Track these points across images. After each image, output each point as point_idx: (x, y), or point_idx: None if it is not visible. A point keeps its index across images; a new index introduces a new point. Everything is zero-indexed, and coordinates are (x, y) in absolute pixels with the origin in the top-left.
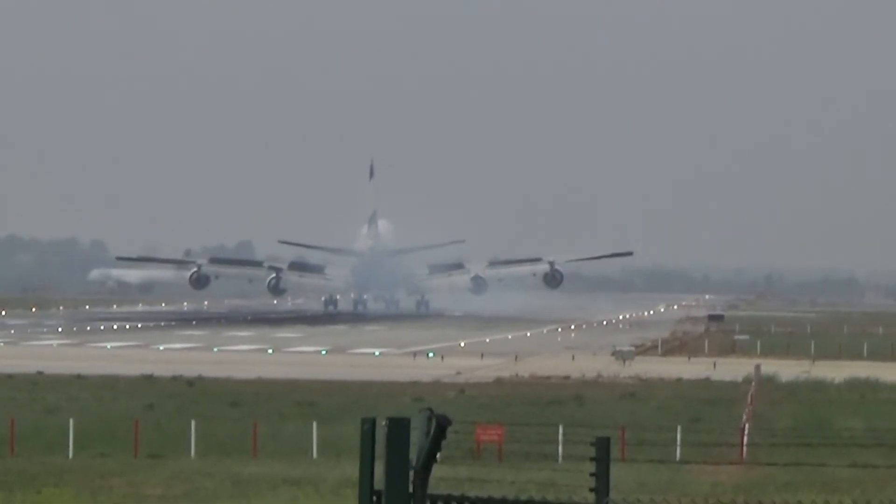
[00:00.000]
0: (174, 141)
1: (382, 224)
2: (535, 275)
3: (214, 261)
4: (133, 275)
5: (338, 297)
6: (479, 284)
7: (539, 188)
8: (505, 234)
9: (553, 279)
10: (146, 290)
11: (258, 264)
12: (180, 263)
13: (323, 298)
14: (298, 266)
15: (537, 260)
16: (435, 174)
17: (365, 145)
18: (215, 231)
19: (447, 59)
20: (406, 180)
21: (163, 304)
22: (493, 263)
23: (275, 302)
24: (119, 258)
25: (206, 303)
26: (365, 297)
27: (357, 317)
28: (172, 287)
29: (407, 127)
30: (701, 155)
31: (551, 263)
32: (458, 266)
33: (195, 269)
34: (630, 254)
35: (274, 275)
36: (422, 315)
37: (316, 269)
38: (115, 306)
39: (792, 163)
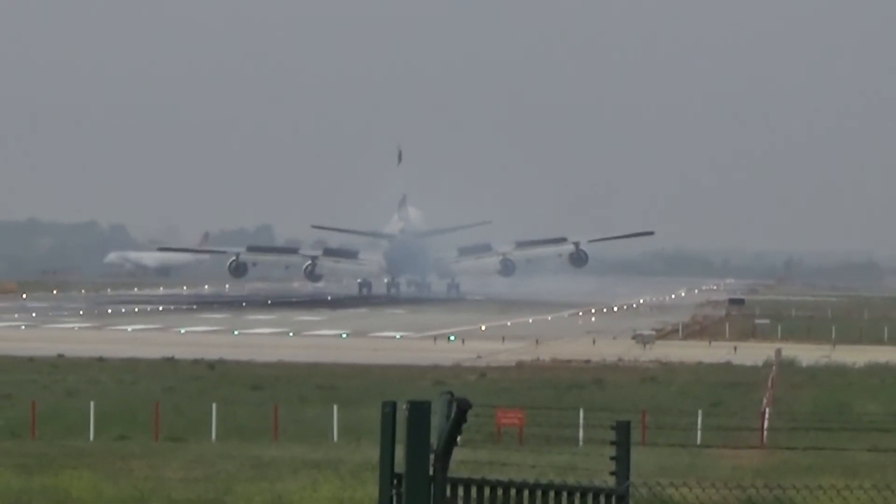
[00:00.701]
0: (193, 125)
1: (412, 210)
2: (560, 255)
3: (252, 249)
4: (151, 257)
5: (371, 281)
6: (507, 266)
7: (564, 172)
8: (530, 218)
9: (579, 259)
10: (163, 273)
11: (294, 251)
12: (220, 253)
13: (358, 282)
14: (333, 252)
15: (562, 240)
16: (461, 158)
17: (386, 130)
18: (233, 214)
19: (473, 46)
20: (433, 165)
21: (184, 288)
22: (520, 244)
23: (311, 286)
24: (161, 248)
25: (227, 286)
26: (398, 280)
27: (390, 300)
28: (190, 270)
29: (431, 112)
30: (722, 140)
31: (576, 244)
32: (487, 248)
33: (234, 257)
34: (651, 233)
35: (310, 261)
36: (446, 298)
37: (350, 255)
38: (136, 289)
39: (811, 147)
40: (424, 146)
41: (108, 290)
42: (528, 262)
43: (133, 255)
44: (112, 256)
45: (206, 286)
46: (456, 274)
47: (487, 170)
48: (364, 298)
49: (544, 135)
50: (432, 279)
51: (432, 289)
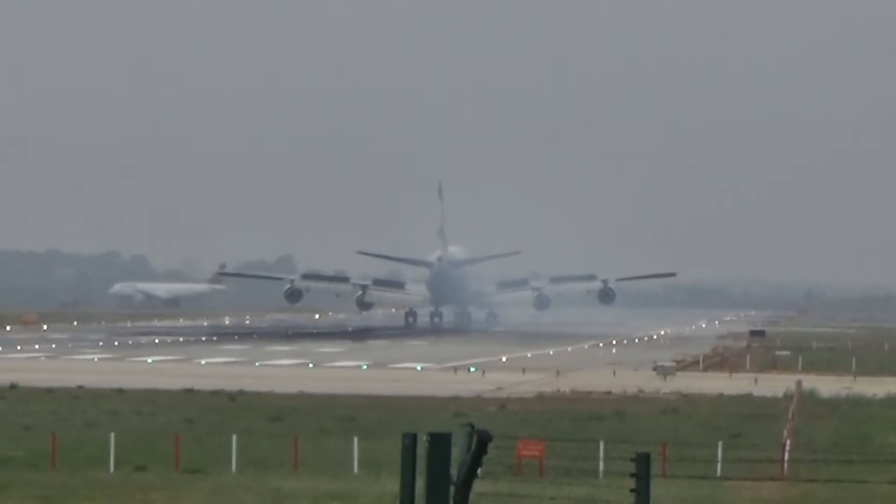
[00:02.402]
0: (210, 155)
1: (451, 246)
2: (589, 291)
3: (307, 276)
4: (161, 288)
5: (417, 311)
6: (541, 300)
7: (592, 207)
8: (559, 250)
9: (606, 296)
10: (172, 304)
11: (345, 280)
12: (276, 280)
13: (405, 311)
14: (382, 282)
15: (592, 277)
16: (496, 193)
17: (421, 162)
18: (253, 245)
19: (510, 83)
20: (470, 199)
21: (204, 320)
22: (554, 279)
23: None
24: (220, 273)
25: (247, 318)
26: (441, 310)
27: (432, 328)
28: (204, 301)
29: (465, 148)
30: (741, 172)
31: (605, 281)
32: (524, 282)
33: (289, 283)
34: (674, 274)
35: (360, 290)
36: (484, 328)
37: (397, 285)
38: (156, 321)
39: (832, 179)
40: (461, 180)
41: (129, 321)
42: (560, 297)
43: (141, 285)
44: (118, 287)
45: (227, 319)
46: (494, 305)
47: (521, 203)
48: (409, 327)
49: (572, 172)
50: (472, 310)
51: (472, 318)
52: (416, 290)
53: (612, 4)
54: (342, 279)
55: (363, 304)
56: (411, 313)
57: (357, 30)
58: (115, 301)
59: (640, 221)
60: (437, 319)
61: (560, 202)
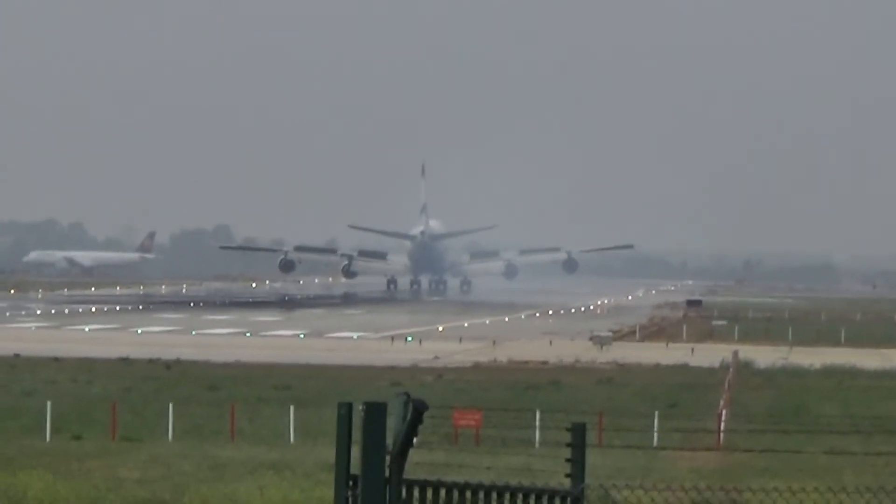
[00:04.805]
0: (154, 124)
1: (433, 222)
2: (554, 262)
3: (298, 248)
4: (86, 256)
5: (397, 279)
6: (511, 270)
7: (554, 180)
8: (532, 224)
9: (570, 266)
10: (90, 272)
11: (333, 252)
12: (271, 252)
13: (387, 279)
14: (367, 253)
15: (556, 249)
16: (475, 172)
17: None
18: (189, 214)
19: (491, 63)
20: (452, 178)
21: (140, 287)
22: (523, 251)
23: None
24: (222, 247)
25: (183, 286)
26: (419, 279)
27: (412, 295)
28: (133, 269)
29: (450, 129)
30: (681, 143)
31: (568, 253)
32: (494, 254)
33: (283, 255)
34: (631, 247)
35: (347, 261)
36: (444, 298)
37: (380, 256)
38: (93, 289)
39: (770, 150)
40: (443, 162)
41: (65, 289)
42: (528, 267)
43: (59, 254)
44: (34, 255)
45: (163, 287)
46: (468, 275)
47: (497, 182)
48: (391, 293)
49: (542, 155)
50: (448, 278)
51: (448, 286)
52: (398, 260)
53: None
54: (331, 251)
55: (349, 273)
56: (392, 281)
57: (330, 7)
58: (31, 269)
59: (600, 197)
60: (415, 287)
61: (532, 181)
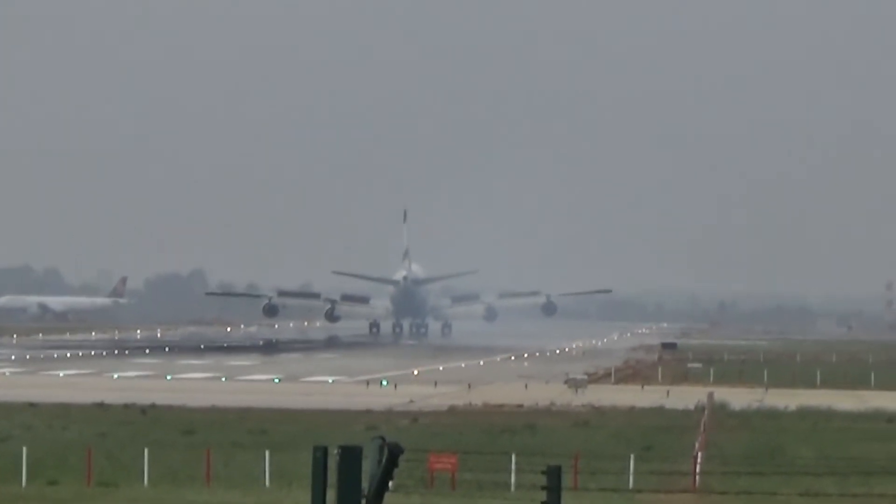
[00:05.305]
0: (126, 173)
1: (415, 266)
2: (534, 305)
3: (282, 294)
4: (57, 302)
5: (380, 323)
6: (491, 313)
7: (532, 226)
8: (511, 268)
9: (548, 309)
10: (63, 318)
11: (316, 296)
12: (254, 297)
13: (369, 322)
14: (349, 298)
15: (536, 293)
16: (452, 213)
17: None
18: (166, 259)
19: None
20: (432, 222)
21: (115, 333)
22: (503, 295)
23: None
24: (207, 293)
25: (158, 331)
26: (402, 322)
27: (395, 339)
28: (106, 314)
29: (428, 174)
30: (653, 183)
31: (548, 296)
32: (475, 297)
33: (267, 300)
34: (609, 291)
35: (330, 305)
36: (441, 339)
37: (363, 300)
38: (68, 334)
39: (744, 193)
40: (424, 206)
41: (40, 335)
42: (508, 310)
43: (30, 298)
44: (4, 300)
45: (139, 332)
46: (449, 318)
47: (478, 227)
48: (374, 336)
49: (524, 199)
50: (429, 321)
51: (430, 329)
52: (380, 304)
53: (570, 14)
54: (314, 295)
55: (332, 318)
56: (375, 324)
57: (308, 46)
58: (3, 314)
59: (577, 242)
60: (398, 330)
61: (511, 226)
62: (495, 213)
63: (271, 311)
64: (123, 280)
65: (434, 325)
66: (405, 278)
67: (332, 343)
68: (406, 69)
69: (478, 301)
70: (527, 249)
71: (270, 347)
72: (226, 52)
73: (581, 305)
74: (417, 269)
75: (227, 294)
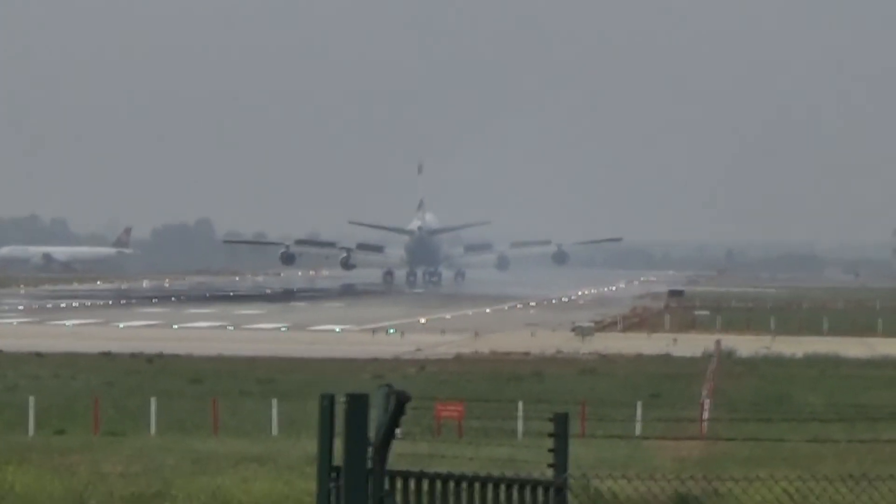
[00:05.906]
0: (135, 123)
1: (429, 216)
2: (545, 254)
3: (299, 242)
4: (61, 252)
5: (394, 271)
6: (503, 262)
7: (544, 176)
8: (526, 218)
9: (559, 258)
10: (68, 268)
11: (332, 245)
12: (272, 245)
13: (383, 271)
14: (365, 246)
15: (547, 242)
16: (466, 165)
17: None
18: (171, 208)
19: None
20: (448, 172)
21: (122, 283)
22: (514, 244)
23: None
24: (226, 241)
25: (167, 281)
26: (416, 271)
27: (408, 286)
28: (103, 265)
29: (442, 128)
30: (661, 133)
31: (559, 245)
32: (488, 246)
33: (284, 248)
34: (619, 239)
35: (345, 253)
36: (452, 287)
37: (378, 249)
38: (76, 284)
39: (753, 140)
40: (441, 156)
41: (48, 285)
42: (520, 259)
43: (32, 248)
44: (6, 250)
45: (145, 282)
46: (462, 266)
47: (491, 178)
48: (388, 285)
49: (537, 150)
50: (442, 270)
51: (443, 277)
52: (395, 253)
53: None
54: (330, 244)
55: (348, 265)
56: (389, 273)
57: (326, 3)
58: (6, 264)
59: (588, 191)
60: (412, 278)
61: (524, 176)
62: (507, 165)
63: (288, 259)
64: (128, 230)
65: (447, 274)
66: (420, 228)
67: (345, 291)
68: (421, 23)
69: (490, 250)
70: (538, 200)
71: (283, 295)
72: (244, 11)
73: (590, 254)
74: (431, 219)
75: (243, 242)
